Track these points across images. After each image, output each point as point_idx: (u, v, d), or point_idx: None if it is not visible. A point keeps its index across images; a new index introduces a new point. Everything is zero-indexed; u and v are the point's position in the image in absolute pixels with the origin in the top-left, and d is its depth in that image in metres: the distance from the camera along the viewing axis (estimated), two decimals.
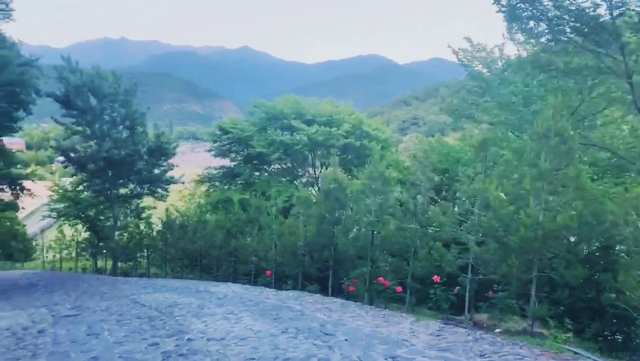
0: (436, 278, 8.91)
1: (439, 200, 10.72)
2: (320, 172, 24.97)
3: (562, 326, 6.85)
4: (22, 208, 27.39)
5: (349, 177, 20.87)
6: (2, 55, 16.63)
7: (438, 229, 8.83)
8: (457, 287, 8.68)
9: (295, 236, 12.98)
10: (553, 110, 6.88)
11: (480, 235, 7.95)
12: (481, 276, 7.99)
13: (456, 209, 9.21)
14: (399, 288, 10.12)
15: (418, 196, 9.43)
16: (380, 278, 10.30)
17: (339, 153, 22.37)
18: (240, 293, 12.44)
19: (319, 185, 13.81)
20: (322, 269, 12.62)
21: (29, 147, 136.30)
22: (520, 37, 13.08)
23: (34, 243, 38.54)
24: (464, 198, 8.33)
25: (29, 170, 32.77)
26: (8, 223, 34.62)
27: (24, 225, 38.72)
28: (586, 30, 8.55)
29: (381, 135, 25.66)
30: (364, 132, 24.49)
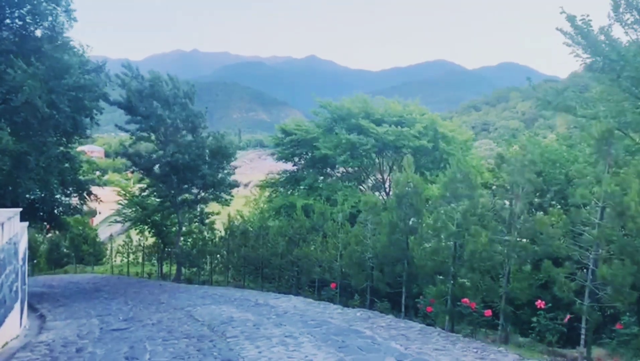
0: (540, 303, 7.18)
1: (538, 208, 8.92)
2: (390, 175, 23.23)
3: None
4: (88, 212, 27.64)
5: (424, 182, 18.97)
6: (61, 59, 16.38)
7: (545, 243, 7.09)
8: (569, 315, 6.92)
9: (363, 246, 11.55)
10: None
11: (602, 250, 6.20)
12: (603, 304, 6.23)
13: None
14: (488, 312, 8.43)
15: (514, 202, 7.73)
16: (465, 300, 8.66)
17: (412, 156, 20.63)
18: (302, 308, 11.17)
19: (391, 188, 12.27)
20: (394, 285, 11.08)
21: (107, 154, 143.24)
22: (629, 16, 11.19)
23: (105, 247, 39.42)
24: (581, 205, 6.58)
25: (98, 175, 33.36)
26: (80, 227, 35.47)
27: (96, 229, 39.72)
28: None
29: (459, 137, 23.51)
30: (439, 133, 22.50)
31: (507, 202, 8.36)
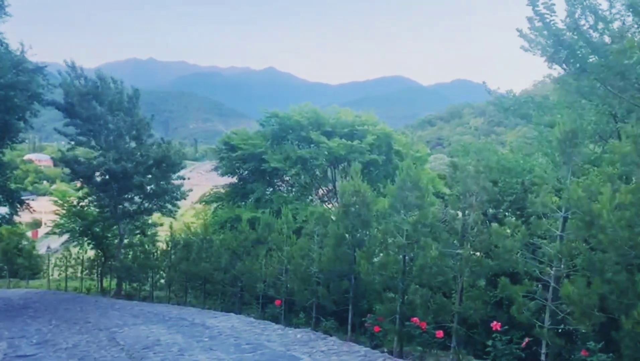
0: (496, 324, 6.45)
1: (492, 219, 8.26)
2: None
3: None
4: (30, 223, 25.73)
5: (375, 193, 18.12)
6: None
7: (501, 257, 6.38)
8: (527, 339, 6.21)
9: (308, 260, 10.66)
10: None
11: (563, 266, 5.53)
12: (566, 327, 5.55)
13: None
14: (440, 333, 7.67)
15: (468, 212, 7.03)
16: (415, 319, 7.88)
17: (364, 169, 19.86)
18: (240, 329, 10.13)
19: (339, 199, 11.45)
20: (340, 301, 10.22)
21: (56, 164, 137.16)
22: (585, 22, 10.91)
23: (46, 260, 36.97)
24: (541, 215, 5.91)
25: (45, 185, 31.30)
26: (15, 239, 33.10)
27: (33, 241, 37.24)
28: None
29: (414, 153, 22.85)
30: (393, 149, 21.88)
31: (459, 213, 7.67)
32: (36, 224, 69.71)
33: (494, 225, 6.58)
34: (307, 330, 9.94)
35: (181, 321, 11.78)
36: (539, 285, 5.92)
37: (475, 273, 7.05)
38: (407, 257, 8.07)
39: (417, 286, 7.59)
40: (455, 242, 7.19)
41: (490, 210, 9.98)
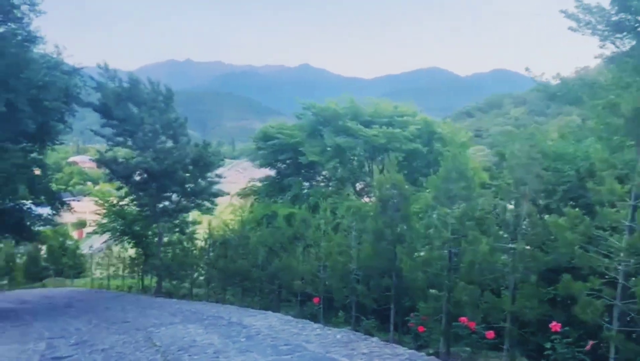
0: (555, 325, 5.86)
1: (544, 211, 7.58)
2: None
3: None
4: (65, 223, 26.26)
5: (415, 188, 17.33)
6: (21, 54, 14.98)
7: (558, 252, 5.78)
8: (592, 342, 5.60)
9: (346, 256, 10.22)
10: None
11: (635, 262, 4.90)
12: (637, 330, 4.93)
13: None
14: (490, 334, 7.11)
15: (520, 202, 6.43)
16: (463, 318, 7.34)
17: (403, 160, 19.10)
18: (278, 328, 9.80)
19: (375, 193, 10.93)
20: (381, 300, 9.74)
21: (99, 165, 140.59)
22: None
23: (89, 259, 37.84)
24: (606, 204, 5.28)
25: (89, 186, 32.01)
26: (60, 239, 33.96)
27: (77, 241, 38.17)
28: None
29: (458, 139, 21.90)
30: (435, 134, 21.00)
31: (510, 204, 7.07)
32: (81, 224, 71.81)
33: (549, 216, 5.96)
34: (346, 329, 9.52)
35: (218, 320, 11.57)
36: (605, 283, 5.29)
37: (529, 269, 6.45)
38: (453, 252, 7.52)
39: (465, 283, 7.04)
40: (506, 235, 6.61)
41: (541, 201, 9.29)
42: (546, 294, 6.72)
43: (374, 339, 8.30)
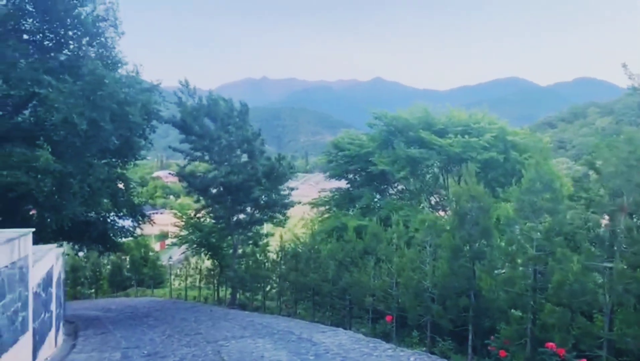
0: None
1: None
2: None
3: None
4: (147, 235, 27.35)
5: (492, 200, 16.39)
6: (104, 74, 15.74)
7: None
8: None
9: (420, 273, 9.69)
10: None
11: None
12: None
13: None
14: None
15: (616, 216, 5.72)
16: (551, 344, 6.63)
17: (480, 171, 18.19)
18: (348, 347, 9.42)
19: (451, 205, 10.31)
20: (458, 320, 9.12)
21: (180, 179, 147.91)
22: None
23: (168, 270, 39.36)
24: None
25: (172, 199, 33.36)
26: (142, 250, 35.55)
27: (157, 252, 39.77)
28: None
29: (535, 145, 20.52)
30: (510, 142, 19.83)
31: (605, 218, 6.32)
32: (163, 236, 75.19)
33: None
34: (420, 351, 8.97)
35: (288, 335, 11.38)
36: None
37: (629, 292, 5.69)
38: (538, 271, 6.84)
39: (553, 305, 6.36)
40: (601, 253, 5.89)
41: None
42: None
43: None
